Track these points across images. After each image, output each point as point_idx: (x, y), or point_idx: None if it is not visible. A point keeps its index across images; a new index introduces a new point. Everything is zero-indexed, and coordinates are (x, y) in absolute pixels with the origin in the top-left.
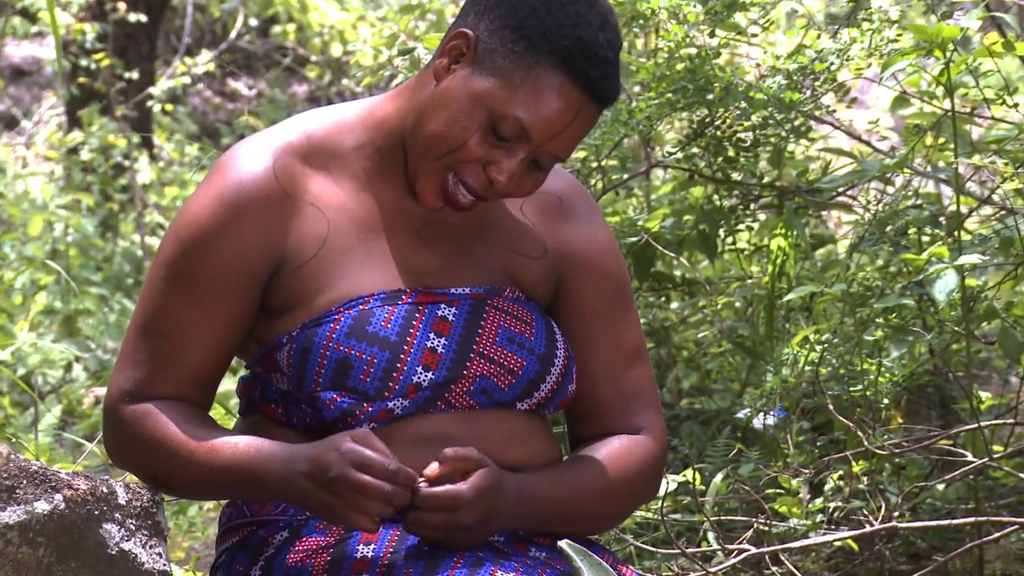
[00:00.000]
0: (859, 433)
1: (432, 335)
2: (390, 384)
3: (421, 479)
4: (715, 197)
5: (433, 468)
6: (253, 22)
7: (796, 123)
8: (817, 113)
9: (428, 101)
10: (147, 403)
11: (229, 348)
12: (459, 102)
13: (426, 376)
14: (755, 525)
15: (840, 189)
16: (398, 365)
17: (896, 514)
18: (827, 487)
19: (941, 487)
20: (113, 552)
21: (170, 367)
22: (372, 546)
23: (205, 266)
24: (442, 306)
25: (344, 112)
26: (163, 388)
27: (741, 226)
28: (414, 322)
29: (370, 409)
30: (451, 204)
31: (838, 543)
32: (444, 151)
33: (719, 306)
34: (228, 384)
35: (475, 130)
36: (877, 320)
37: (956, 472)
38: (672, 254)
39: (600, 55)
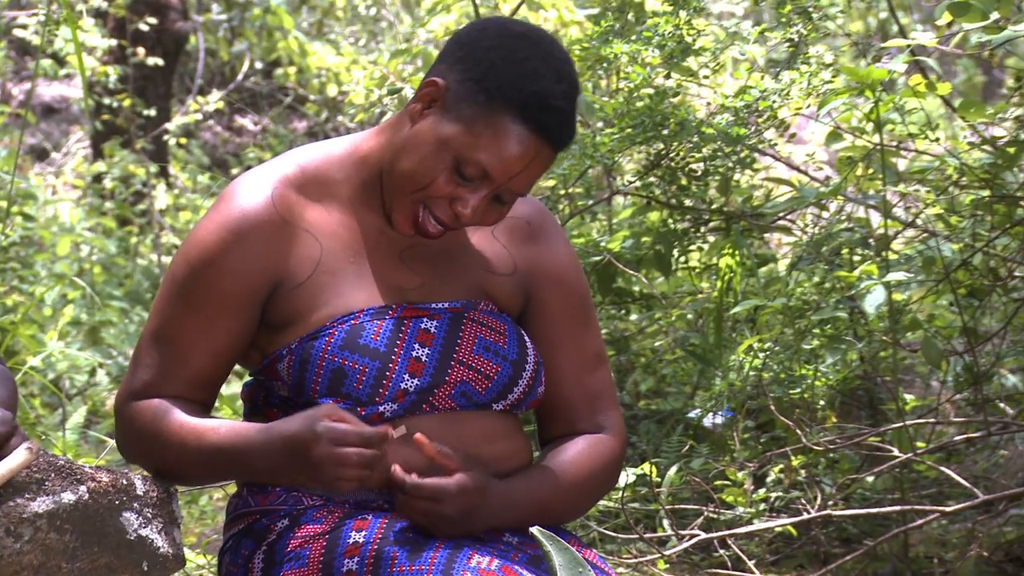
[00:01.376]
0: (798, 431)
1: (417, 346)
2: (380, 390)
3: (429, 443)
4: (670, 221)
5: (429, 447)
6: (258, 65)
7: (742, 155)
8: (760, 146)
9: (402, 141)
10: (149, 400)
11: (230, 357)
12: (429, 145)
13: (412, 382)
14: (705, 513)
15: (781, 214)
16: (387, 373)
17: (830, 503)
18: (769, 479)
19: (870, 479)
20: (132, 537)
21: (175, 371)
22: (363, 532)
23: (211, 284)
24: (424, 320)
25: (333, 147)
26: (167, 390)
27: (693, 247)
28: (400, 334)
29: (363, 413)
30: (421, 233)
31: (779, 529)
32: (415, 188)
33: (673, 318)
34: (236, 387)
35: (442, 171)
36: (814, 330)
37: (884, 466)
38: (631, 271)
39: (554, 105)
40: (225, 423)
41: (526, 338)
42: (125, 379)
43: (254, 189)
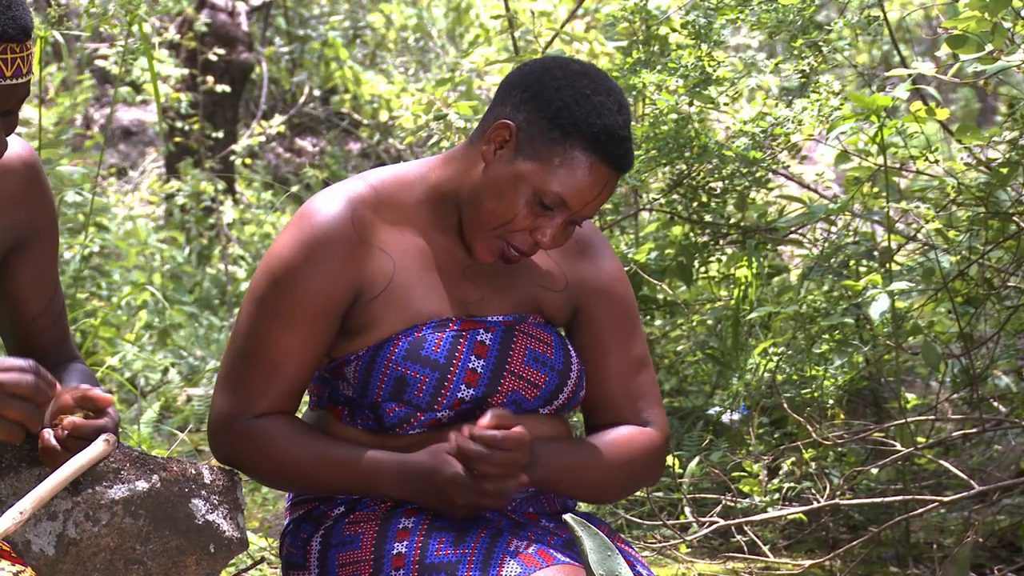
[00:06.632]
0: (808, 427)
1: (473, 357)
2: (439, 399)
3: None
4: (691, 235)
5: (485, 420)
6: (317, 92)
7: (757, 175)
8: (774, 167)
9: (481, 182)
10: (255, 421)
11: (316, 364)
12: (507, 183)
13: (468, 392)
14: (723, 501)
15: (793, 228)
16: (445, 383)
17: (838, 493)
18: (782, 471)
19: (875, 471)
20: (200, 522)
21: (269, 386)
22: (412, 519)
23: (297, 298)
24: (481, 332)
25: (405, 171)
26: (264, 405)
27: (712, 258)
28: (459, 347)
29: (422, 418)
30: (504, 261)
31: (791, 516)
32: (498, 223)
33: (694, 323)
34: None
35: (522, 205)
36: (823, 335)
37: (887, 459)
38: (656, 281)
39: (620, 135)
40: (339, 447)
41: (570, 348)
42: (216, 401)
43: (334, 209)
